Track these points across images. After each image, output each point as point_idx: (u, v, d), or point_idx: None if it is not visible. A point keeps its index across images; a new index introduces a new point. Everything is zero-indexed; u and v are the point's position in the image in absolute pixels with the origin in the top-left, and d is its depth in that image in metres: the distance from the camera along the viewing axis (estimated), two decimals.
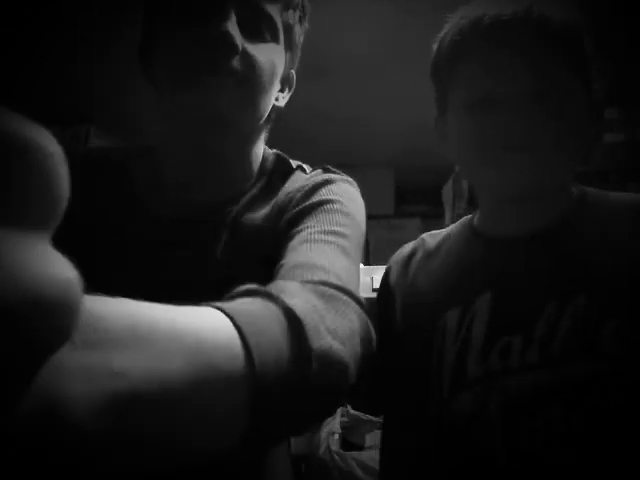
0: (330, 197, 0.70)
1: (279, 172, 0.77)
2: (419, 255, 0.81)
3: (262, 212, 0.73)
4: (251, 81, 0.66)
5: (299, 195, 0.71)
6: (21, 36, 1.55)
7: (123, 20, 1.49)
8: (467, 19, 0.71)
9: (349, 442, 1.55)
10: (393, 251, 0.93)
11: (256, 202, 0.74)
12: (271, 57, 0.68)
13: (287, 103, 0.77)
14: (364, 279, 1.66)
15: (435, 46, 0.78)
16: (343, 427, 1.57)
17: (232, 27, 0.63)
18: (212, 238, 0.71)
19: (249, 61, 0.65)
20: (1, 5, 1.41)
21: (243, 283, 0.64)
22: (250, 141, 0.74)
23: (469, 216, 0.81)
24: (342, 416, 1.58)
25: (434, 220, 2.10)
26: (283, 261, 0.62)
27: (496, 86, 0.67)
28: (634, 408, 0.59)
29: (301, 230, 0.66)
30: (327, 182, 0.74)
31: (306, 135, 1.83)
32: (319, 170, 0.77)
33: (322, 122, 1.81)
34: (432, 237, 0.82)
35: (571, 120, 0.68)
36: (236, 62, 0.64)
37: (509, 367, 0.64)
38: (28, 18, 1.48)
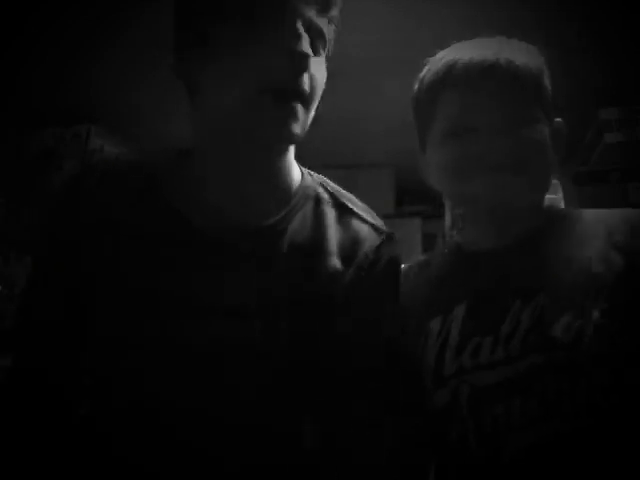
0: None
1: (327, 201, 0.78)
2: (410, 277, 0.91)
3: (317, 245, 0.73)
4: (314, 100, 0.67)
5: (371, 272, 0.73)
6: (21, 36, 1.55)
7: (123, 20, 1.49)
8: (443, 63, 0.82)
9: None
10: None
11: (307, 227, 0.74)
12: (324, 74, 0.68)
13: None
14: None
15: (415, 86, 0.88)
16: None
17: (307, 47, 0.62)
18: (265, 257, 0.70)
19: (313, 83, 0.65)
20: (1, 5, 1.41)
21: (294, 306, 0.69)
22: (289, 152, 0.75)
23: (455, 239, 0.95)
24: None
25: (434, 220, 2.10)
26: None
27: (470, 118, 0.78)
28: (583, 392, 0.67)
29: None
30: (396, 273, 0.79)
31: (306, 135, 1.83)
32: (383, 233, 0.78)
33: (322, 122, 1.81)
34: (415, 262, 0.94)
35: (537, 145, 0.78)
36: (306, 84, 0.63)
37: (479, 364, 0.74)
38: (28, 18, 1.48)
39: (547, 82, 0.82)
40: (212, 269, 0.67)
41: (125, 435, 0.65)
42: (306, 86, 0.63)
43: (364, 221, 0.78)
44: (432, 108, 0.83)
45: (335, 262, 0.73)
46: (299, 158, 0.83)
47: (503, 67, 0.78)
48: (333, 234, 0.75)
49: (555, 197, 1.74)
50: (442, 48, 0.86)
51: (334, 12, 0.69)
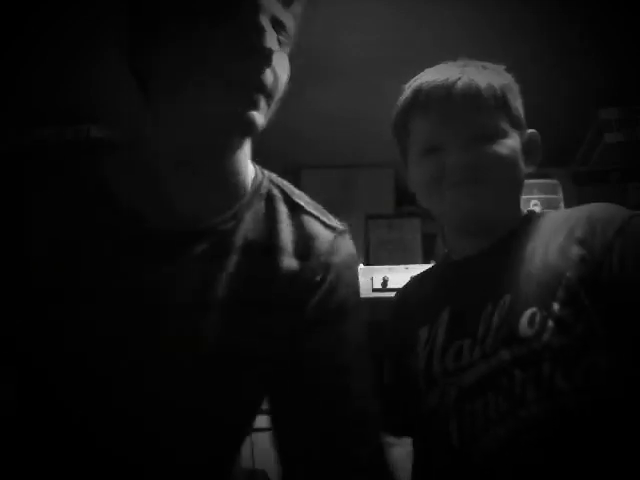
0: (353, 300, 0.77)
1: (279, 198, 0.77)
2: (407, 294, 1.00)
3: (270, 242, 0.73)
4: (276, 92, 0.66)
5: (327, 274, 0.74)
6: (21, 36, 1.55)
7: (123, 20, 1.49)
8: (411, 89, 0.89)
9: None
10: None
11: (259, 224, 0.73)
12: (287, 64, 0.68)
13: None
14: (364, 279, 1.66)
15: (394, 110, 0.94)
16: None
17: (272, 42, 0.62)
18: (218, 255, 0.69)
19: (276, 78, 0.65)
20: (1, 5, 1.41)
21: (242, 305, 0.69)
22: (245, 150, 0.73)
23: (445, 251, 0.99)
24: None
25: (434, 220, 2.10)
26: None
27: (437, 138, 0.85)
28: (546, 383, 0.71)
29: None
30: (352, 266, 0.79)
31: (306, 135, 1.83)
32: (335, 230, 0.78)
33: (322, 122, 1.81)
34: (413, 280, 1.02)
35: (499, 158, 0.83)
36: (269, 78, 0.63)
37: (461, 365, 0.78)
38: (28, 18, 1.48)
39: (514, 98, 0.87)
40: (163, 268, 0.67)
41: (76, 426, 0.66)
42: (269, 81, 0.63)
43: (316, 218, 0.78)
44: (406, 131, 0.91)
45: (288, 260, 0.73)
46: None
47: (464, 87, 0.84)
48: (286, 232, 0.74)
49: (555, 197, 1.74)
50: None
51: (297, 7, 0.68)
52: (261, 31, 0.61)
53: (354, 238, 0.83)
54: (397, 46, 1.57)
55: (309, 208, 0.79)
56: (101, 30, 1.52)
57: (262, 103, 0.63)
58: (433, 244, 2.03)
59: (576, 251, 0.76)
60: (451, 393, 0.78)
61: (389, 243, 2.04)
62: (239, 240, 0.71)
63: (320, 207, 0.81)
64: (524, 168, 0.87)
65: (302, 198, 0.80)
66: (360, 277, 0.82)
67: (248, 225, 0.72)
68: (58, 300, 0.65)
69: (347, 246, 0.80)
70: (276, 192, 0.78)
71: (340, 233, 0.79)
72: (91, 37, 1.55)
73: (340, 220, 0.82)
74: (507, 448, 0.71)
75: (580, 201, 1.78)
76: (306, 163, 2.06)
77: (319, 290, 0.74)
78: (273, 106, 0.67)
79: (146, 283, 0.66)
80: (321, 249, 0.75)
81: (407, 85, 0.92)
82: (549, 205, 1.67)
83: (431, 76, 0.87)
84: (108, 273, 0.66)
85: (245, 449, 0.82)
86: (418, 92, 0.87)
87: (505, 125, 0.85)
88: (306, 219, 0.77)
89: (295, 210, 0.77)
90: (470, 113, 0.83)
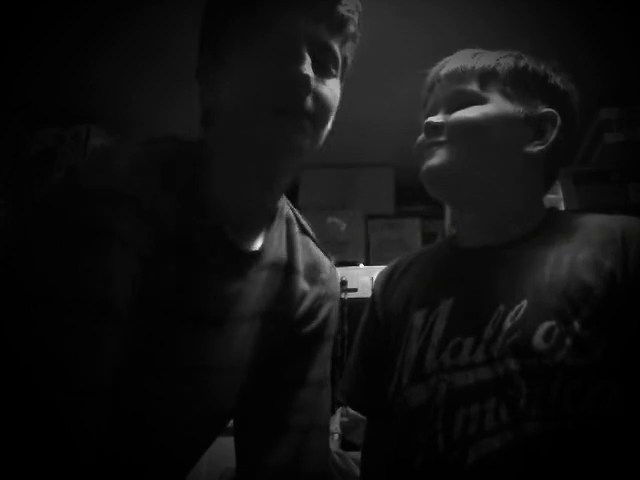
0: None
1: (293, 220, 0.83)
2: (401, 267, 0.93)
3: (289, 262, 0.79)
4: (323, 118, 0.70)
5: (323, 303, 0.83)
6: (21, 36, 1.55)
7: (123, 20, 1.49)
8: (429, 75, 0.90)
9: (349, 442, 1.55)
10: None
11: (282, 244, 0.80)
12: (335, 92, 0.71)
13: None
14: (364, 279, 1.66)
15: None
16: (343, 427, 1.57)
17: (309, 69, 0.66)
18: (254, 273, 0.74)
19: (321, 102, 0.68)
20: (1, 5, 1.41)
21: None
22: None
23: (451, 234, 0.95)
24: (342, 416, 1.59)
25: (434, 220, 2.10)
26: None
27: (426, 107, 0.87)
28: (554, 400, 0.67)
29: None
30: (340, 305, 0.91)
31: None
32: (330, 260, 0.87)
33: None
34: (407, 256, 0.96)
35: (476, 120, 0.81)
36: (309, 103, 0.67)
37: (458, 364, 0.73)
38: (27, 17, 1.48)
39: (512, 70, 0.85)
40: (227, 280, 0.71)
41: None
42: (309, 105, 0.66)
43: (317, 245, 0.86)
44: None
45: (302, 283, 0.80)
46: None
47: (453, 61, 0.86)
48: (300, 255, 0.81)
49: (555, 197, 1.74)
50: (444, 50, 0.88)
51: (349, 30, 0.71)
52: (301, 59, 0.65)
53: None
54: (397, 47, 1.57)
55: (312, 234, 0.85)
56: (101, 30, 1.53)
57: (307, 127, 0.67)
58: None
59: (608, 270, 0.71)
60: (441, 390, 0.73)
61: (389, 243, 2.04)
62: (269, 258, 0.76)
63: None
64: (519, 140, 0.83)
65: (306, 222, 0.86)
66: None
67: (274, 245, 0.78)
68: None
69: (337, 276, 0.89)
70: (291, 214, 0.84)
71: (331, 262, 0.88)
72: (91, 37, 1.55)
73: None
74: (500, 461, 0.67)
75: (580, 201, 1.79)
76: (306, 163, 2.06)
77: (319, 314, 0.82)
78: (322, 132, 0.71)
79: (213, 294, 0.70)
80: (323, 276, 0.83)
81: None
82: (549, 205, 1.67)
83: (441, 62, 0.90)
84: (187, 283, 0.68)
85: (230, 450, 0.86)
86: (428, 77, 0.91)
87: (489, 94, 0.83)
88: (311, 244, 0.84)
89: (304, 234, 0.84)
90: (449, 81, 0.85)
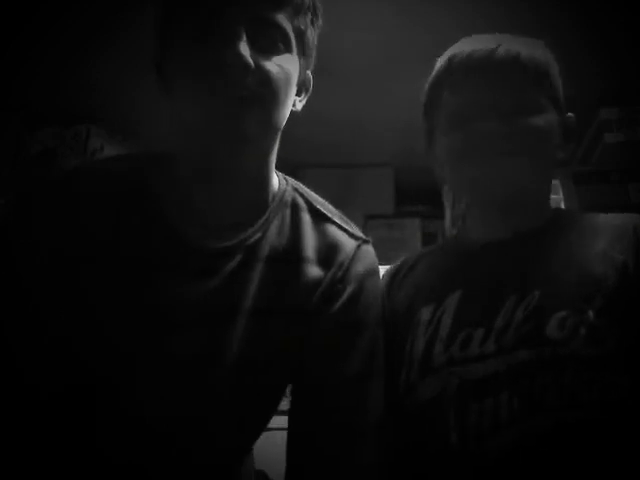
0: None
1: (303, 207, 0.79)
2: (407, 266, 0.91)
3: (294, 251, 0.74)
4: (268, 97, 0.67)
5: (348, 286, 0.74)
6: (21, 36, 1.55)
7: (123, 20, 1.49)
8: (447, 56, 0.84)
9: None
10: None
11: (284, 233, 0.75)
12: (285, 67, 0.68)
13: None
14: None
15: (426, 85, 0.88)
16: None
17: (243, 48, 0.63)
18: (246, 268, 0.71)
19: (264, 77, 0.66)
20: (1, 5, 1.41)
21: (271, 318, 0.71)
22: (267, 155, 0.75)
23: (454, 233, 0.89)
24: None
25: (434, 220, 2.10)
26: None
27: (473, 106, 0.79)
28: (568, 390, 0.66)
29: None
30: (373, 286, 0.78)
31: (306, 135, 1.83)
32: (359, 240, 0.79)
33: (322, 122, 1.81)
34: (411, 256, 0.94)
35: (538, 133, 0.78)
36: (251, 80, 0.64)
37: (468, 356, 0.72)
38: (27, 17, 1.48)
39: (554, 74, 0.82)
40: (194, 281, 0.69)
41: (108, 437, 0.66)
42: (250, 85, 0.64)
43: (339, 227, 0.79)
44: (439, 101, 0.85)
45: (313, 270, 0.74)
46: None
47: (502, 55, 0.79)
48: (310, 241, 0.76)
49: (555, 197, 1.74)
50: (444, 50, 0.87)
51: (297, 1, 0.68)
52: (237, 38, 0.63)
53: None
54: (397, 47, 1.57)
55: (333, 217, 0.80)
56: (101, 30, 1.53)
57: (254, 110, 0.65)
58: (433, 244, 2.02)
59: (620, 261, 0.72)
60: (452, 383, 0.72)
61: (389, 243, 2.04)
62: (265, 251, 0.73)
63: (342, 215, 0.82)
64: (559, 151, 0.83)
65: (325, 206, 0.81)
66: (368, 264, 0.81)
67: (273, 235, 0.74)
68: (99, 304, 0.67)
69: (369, 256, 0.80)
70: (300, 201, 0.79)
71: (363, 242, 0.80)
72: (91, 37, 1.55)
73: None
74: (517, 454, 0.66)
75: (580, 201, 1.79)
76: (306, 163, 2.06)
77: (340, 298, 0.74)
78: (274, 111, 0.68)
79: (178, 298, 0.68)
80: (341, 258, 0.76)
81: (441, 56, 0.87)
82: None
83: (469, 44, 0.83)
84: (145, 287, 0.67)
85: None
86: (455, 60, 0.83)
87: (545, 101, 0.80)
88: (329, 228, 0.78)
89: (318, 219, 0.78)
90: (508, 82, 0.79)
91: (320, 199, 0.82)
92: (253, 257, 0.72)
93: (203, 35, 0.64)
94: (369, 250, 0.80)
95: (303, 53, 0.73)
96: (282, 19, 0.67)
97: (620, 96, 1.73)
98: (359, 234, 0.80)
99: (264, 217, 0.74)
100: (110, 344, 0.66)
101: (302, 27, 0.71)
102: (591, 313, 0.69)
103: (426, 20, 1.48)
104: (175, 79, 0.68)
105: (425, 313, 0.79)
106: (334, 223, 0.79)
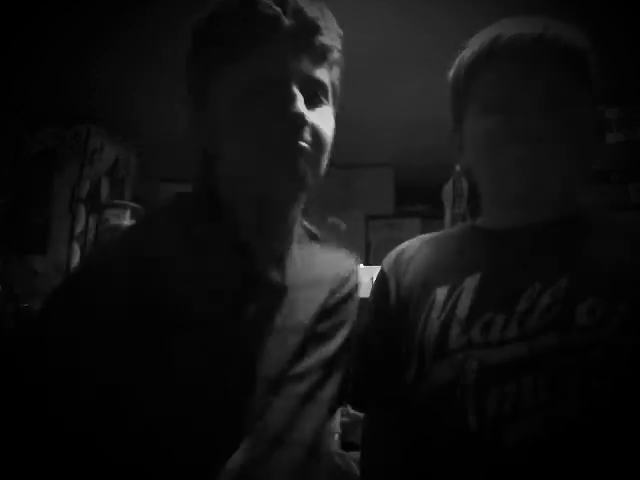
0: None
1: (308, 231, 0.88)
2: (414, 247, 0.90)
3: (311, 278, 0.82)
4: (320, 149, 0.74)
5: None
6: (20, 36, 1.55)
7: (123, 20, 1.49)
8: (487, 37, 0.81)
9: (349, 442, 1.55)
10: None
11: (303, 262, 0.83)
12: (328, 119, 0.76)
13: None
14: (364, 279, 1.66)
15: (456, 62, 0.87)
16: (343, 427, 1.57)
17: (302, 106, 0.70)
18: (277, 297, 0.78)
19: (315, 132, 0.72)
20: (0, 5, 1.41)
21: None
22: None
23: (469, 221, 0.92)
24: (342, 416, 1.58)
25: (434, 220, 2.09)
26: None
27: (514, 91, 0.76)
28: (595, 378, 0.64)
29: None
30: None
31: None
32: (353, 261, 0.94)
33: None
34: (412, 242, 0.93)
35: (577, 126, 0.76)
36: (307, 138, 0.71)
37: (489, 341, 0.69)
38: (28, 18, 1.48)
39: (594, 65, 0.80)
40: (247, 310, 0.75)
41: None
42: (306, 141, 0.71)
43: (329, 250, 0.90)
44: (472, 83, 0.82)
45: (323, 293, 0.83)
46: None
47: (550, 41, 0.77)
48: (319, 267, 0.84)
49: None
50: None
51: (333, 57, 0.74)
52: (292, 98, 0.69)
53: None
54: (397, 47, 1.56)
55: (328, 243, 0.91)
56: (101, 30, 1.53)
57: (307, 162, 0.71)
58: None
59: None
60: (471, 367, 0.69)
61: (389, 243, 2.03)
62: (292, 279, 0.79)
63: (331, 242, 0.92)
64: (595, 144, 0.81)
65: (314, 228, 0.91)
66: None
67: (296, 264, 0.81)
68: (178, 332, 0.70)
69: (353, 280, 0.92)
70: (306, 224, 0.88)
71: (354, 257, 0.94)
72: (91, 37, 1.55)
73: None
74: (541, 441, 0.63)
75: (580, 201, 1.79)
76: None
77: (345, 324, 0.86)
78: (323, 162, 0.76)
79: (242, 324, 0.74)
80: (344, 281, 0.87)
81: (475, 36, 0.85)
82: None
83: (513, 27, 0.81)
84: (211, 308, 0.72)
85: None
86: (497, 39, 0.80)
87: (583, 92, 0.78)
88: (319, 252, 0.88)
89: (315, 242, 0.88)
90: (553, 71, 0.76)
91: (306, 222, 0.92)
92: (281, 286, 0.78)
93: (254, 96, 0.69)
94: (357, 262, 0.96)
95: (335, 103, 0.80)
96: (323, 74, 0.73)
97: (620, 96, 1.73)
98: (348, 252, 0.94)
99: (290, 249, 0.81)
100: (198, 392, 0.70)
101: (335, 81, 0.78)
102: (625, 304, 0.66)
103: (426, 20, 1.48)
104: (228, 124, 0.72)
105: (440, 294, 0.77)
106: (325, 246, 0.91)
